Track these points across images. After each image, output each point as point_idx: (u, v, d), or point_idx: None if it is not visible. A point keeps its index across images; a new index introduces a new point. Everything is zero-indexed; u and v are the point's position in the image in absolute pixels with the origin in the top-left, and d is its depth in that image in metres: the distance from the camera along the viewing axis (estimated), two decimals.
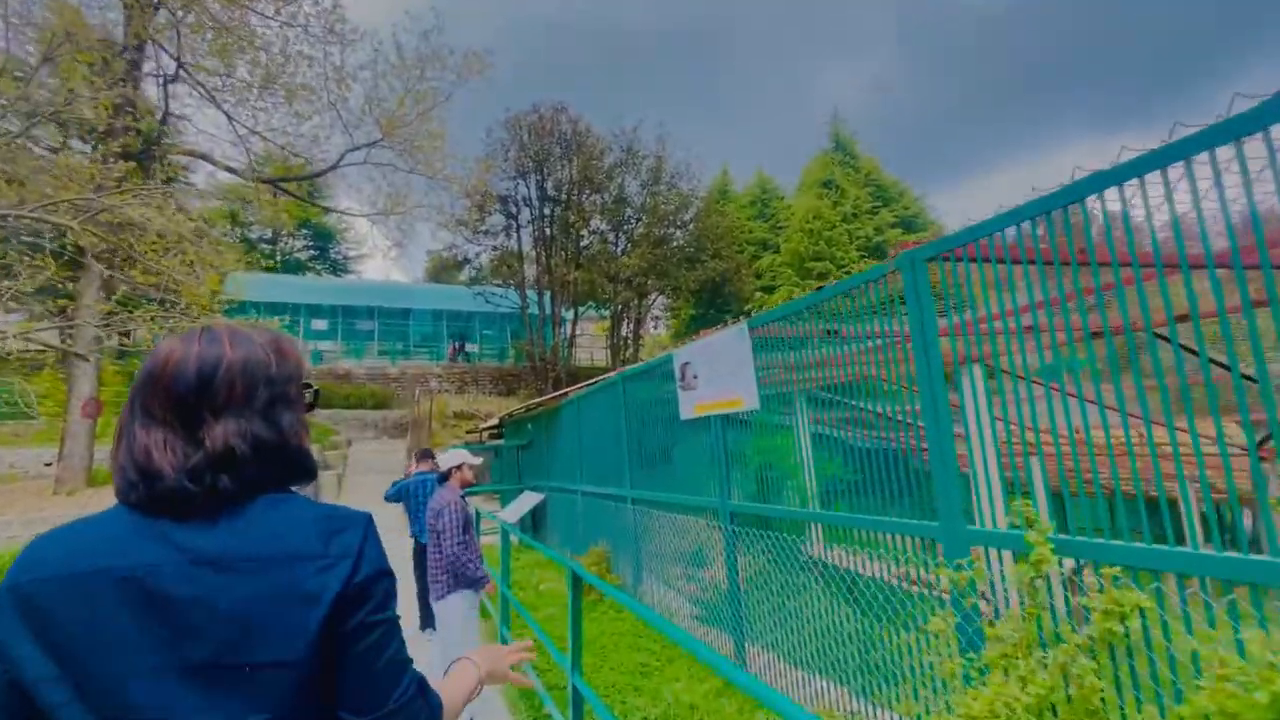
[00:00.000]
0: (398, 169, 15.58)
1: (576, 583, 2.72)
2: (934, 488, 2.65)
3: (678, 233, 24.76)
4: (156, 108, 12.54)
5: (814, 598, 3.58)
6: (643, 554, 6.14)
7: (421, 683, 0.88)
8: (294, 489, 0.89)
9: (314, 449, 16.37)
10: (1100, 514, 2.11)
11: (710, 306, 25.87)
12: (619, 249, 25.21)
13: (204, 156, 13.94)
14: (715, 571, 4.83)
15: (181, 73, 12.12)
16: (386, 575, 0.84)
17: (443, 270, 41.03)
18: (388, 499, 6.48)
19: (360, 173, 16.34)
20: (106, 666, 0.70)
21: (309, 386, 0.95)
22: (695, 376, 4.78)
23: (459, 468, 4.17)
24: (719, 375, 4.42)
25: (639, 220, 24.94)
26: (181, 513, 0.78)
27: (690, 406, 4.87)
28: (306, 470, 0.90)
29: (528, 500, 9.85)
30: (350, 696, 0.79)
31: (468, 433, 19.75)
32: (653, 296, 26.36)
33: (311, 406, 0.96)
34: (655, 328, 31.76)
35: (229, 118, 13.96)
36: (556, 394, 9.22)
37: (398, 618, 0.86)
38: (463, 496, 4.14)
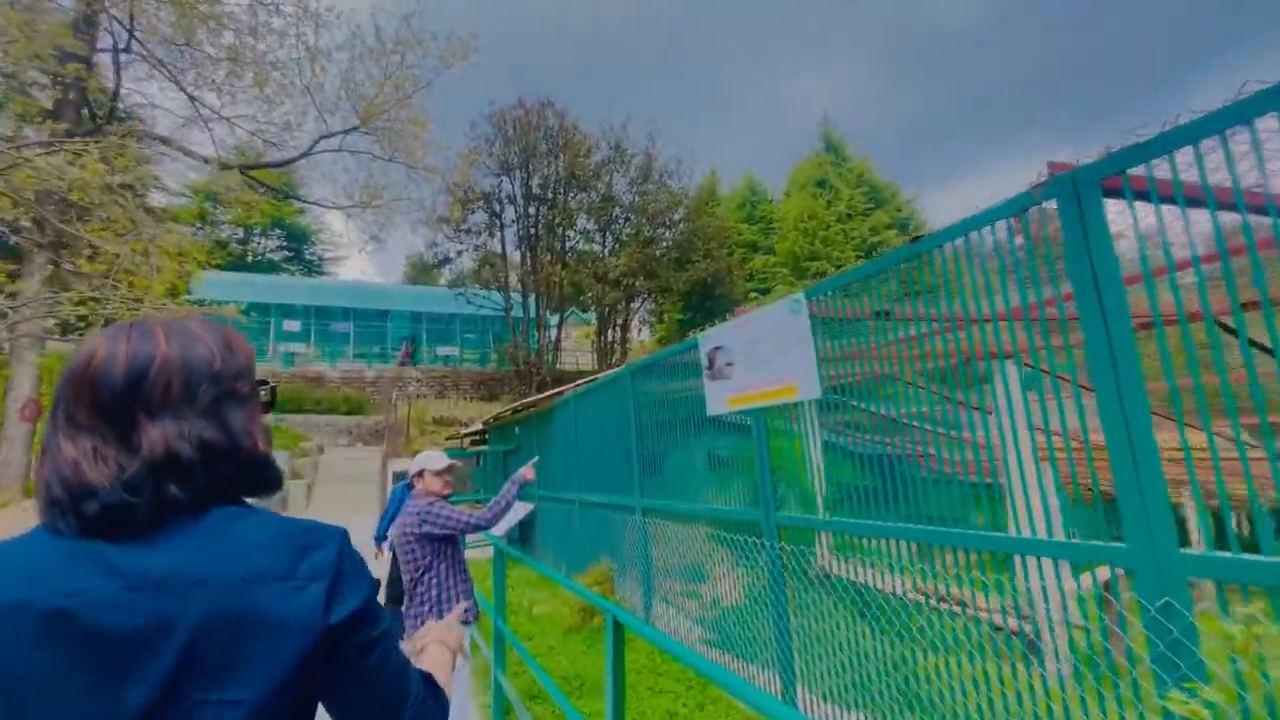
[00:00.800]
0: (376, 157, 14.65)
1: (617, 633, 1.92)
2: (1119, 500, 1.90)
3: (667, 233, 24.08)
4: (109, 83, 11.49)
5: (907, 646, 2.82)
6: (654, 573, 5.33)
7: (427, 680, 0.86)
8: (255, 502, 0.80)
9: (282, 456, 15.33)
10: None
11: (699, 310, 25.19)
12: (606, 249, 24.45)
13: (163, 139, 12.88)
14: (733, 592, 4.05)
15: (135, 43, 11.09)
16: (369, 592, 0.77)
17: (422, 274, 39.97)
18: (378, 541, 5.63)
19: (335, 163, 15.32)
20: None
21: (265, 384, 0.87)
22: (730, 364, 4.01)
23: (419, 475, 3.35)
24: (763, 359, 3.65)
25: (627, 220, 24.22)
26: (120, 531, 0.69)
27: (721, 400, 4.10)
28: (267, 480, 0.82)
29: (516, 511, 8.98)
30: None
31: (447, 439, 18.77)
32: (640, 299, 25.61)
33: (269, 406, 0.88)
34: (639, 334, 30.98)
35: (191, 99, 12.94)
36: (549, 394, 8.39)
37: (390, 627, 0.79)
38: (433, 503, 3.30)
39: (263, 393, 0.86)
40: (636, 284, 23.22)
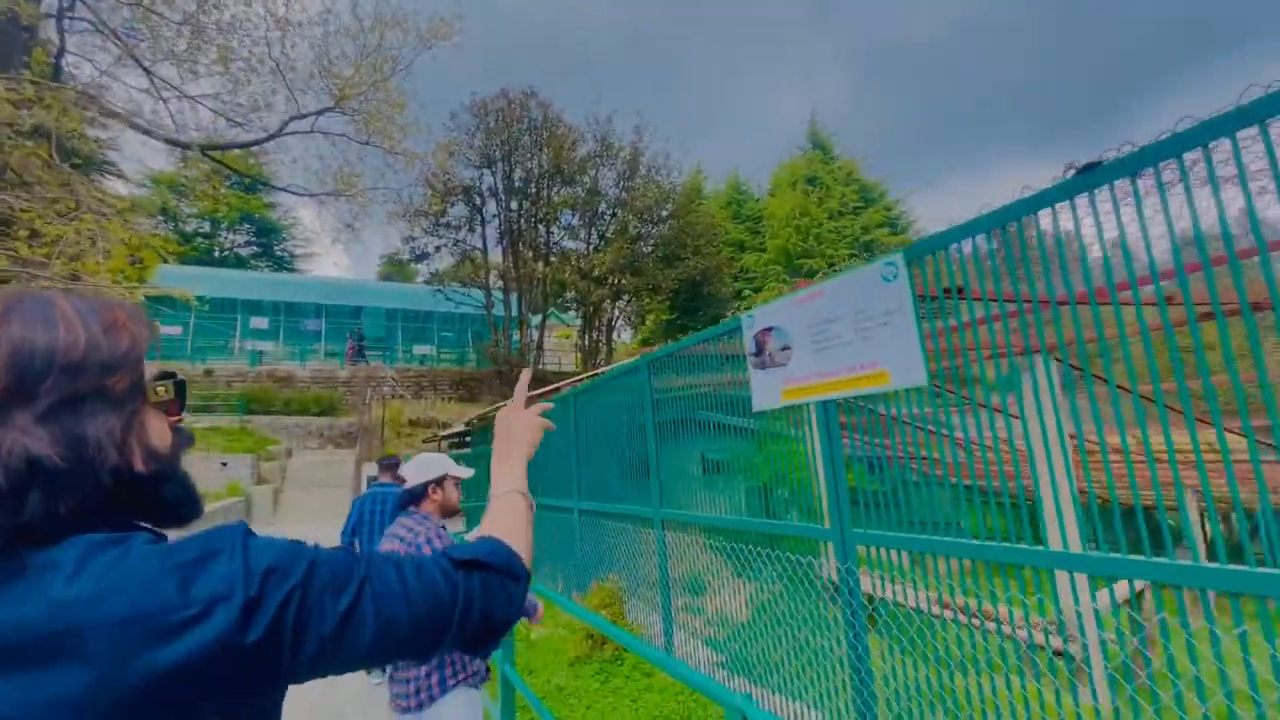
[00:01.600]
0: (351, 139, 13.72)
1: None
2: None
3: (654, 229, 23.40)
4: (52, 45, 10.41)
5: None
6: (675, 596, 4.62)
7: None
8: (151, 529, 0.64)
9: (245, 460, 14.20)
10: None
11: (686, 310, 24.55)
12: (591, 245, 23.68)
13: (113, 112, 11.80)
14: (785, 625, 3.37)
15: (80, 5, 10.06)
16: (282, 562, 0.60)
17: (399, 271, 38.74)
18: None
19: (307, 148, 14.35)
20: None
21: (168, 378, 0.68)
22: (786, 348, 3.32)
23: (439, 483, 2.57)
24: (837, 340, 2.98)
25: (613, 215, 23.48)
26: None
27: (773, 391, 3.41)
28: (166, 502, 0.66)
29: None
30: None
31: (424, 441, 17.82)
32: (626, 298, 24.87)
33: (177, 407, 0.69)
34: (619, 335, 30.15)
35: (147, 72, 11.87)
36: (545, 390, 7.63)
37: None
38: (442, 530, 2.54)
39: (160, 389, 0.67)
40: (623, 281, 22.48)
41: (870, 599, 2.88)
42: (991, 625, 2.40)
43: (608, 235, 23.68)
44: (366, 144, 13.49)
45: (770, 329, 3.44)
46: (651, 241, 23.58)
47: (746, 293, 23.20)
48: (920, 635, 2.62)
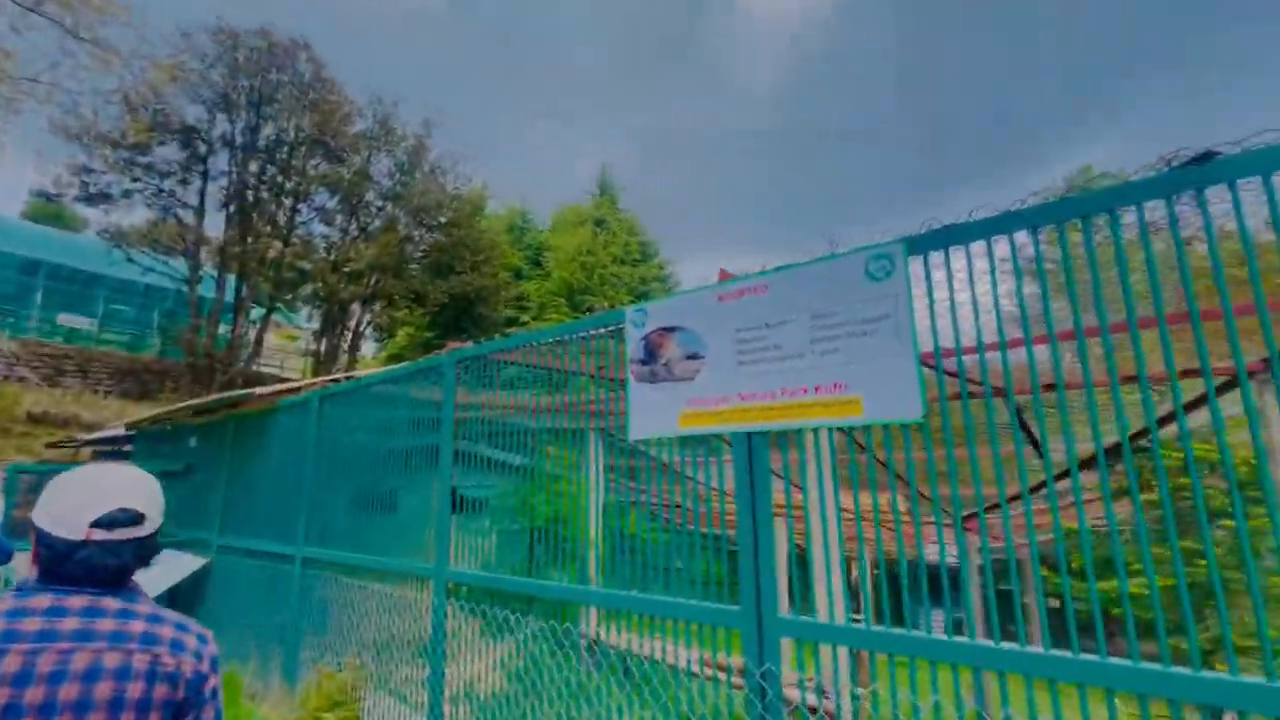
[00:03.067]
0: None
1: None
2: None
3: (430, 234, 21.16)
4: None
5: None
6: (449, 687, 3.28)
7: None
8: None
9: None
10: None
11: (450, 329, 22.43)
12: (350, 235, 20.40)
13: None
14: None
15: None
16: None
17: (52, 214, 28.84)
18: None
19: None
20: None
21: None
22: (694, 356, 2.46)
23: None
24: (776, 351, 2.21)
25: (382, 208, 20.64)
26: None
27: (665, 414, 2.50)
28: None
29: (175, 566, 5.75)
30: None
31: (49, 445, 12.64)
32: (381, 304, 21.80)
33: None
34: (360, 349, 26.32)
35: None
36: (282, 389, 5.54)
37: None
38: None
39: None
40: (383, 283, 19.66)
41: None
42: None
43: (371, 228, 20.67)
44: (34, 10, 9.43)
45: (672, 330, 2.55)
46: (424, 247, 21.26)
47: (524, 319, 22.16)
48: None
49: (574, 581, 2.94)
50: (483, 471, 3.47)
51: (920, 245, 1.97)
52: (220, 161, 18.62)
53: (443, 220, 21.17)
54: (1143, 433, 5.19)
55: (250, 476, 5.62)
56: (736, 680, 2.20)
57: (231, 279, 18.47)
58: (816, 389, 2.10)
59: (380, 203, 20.88)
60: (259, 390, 5.33)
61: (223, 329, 18.87)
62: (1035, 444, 5.43)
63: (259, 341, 20.05)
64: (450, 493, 3.50)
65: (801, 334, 2.17)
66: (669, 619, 2.42)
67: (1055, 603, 11.45)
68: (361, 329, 22.72)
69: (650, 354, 2.60)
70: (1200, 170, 1.53)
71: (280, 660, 4.49)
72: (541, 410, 3.21)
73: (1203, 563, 1.43)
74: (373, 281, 20.00)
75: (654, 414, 2.55)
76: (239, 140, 18.40)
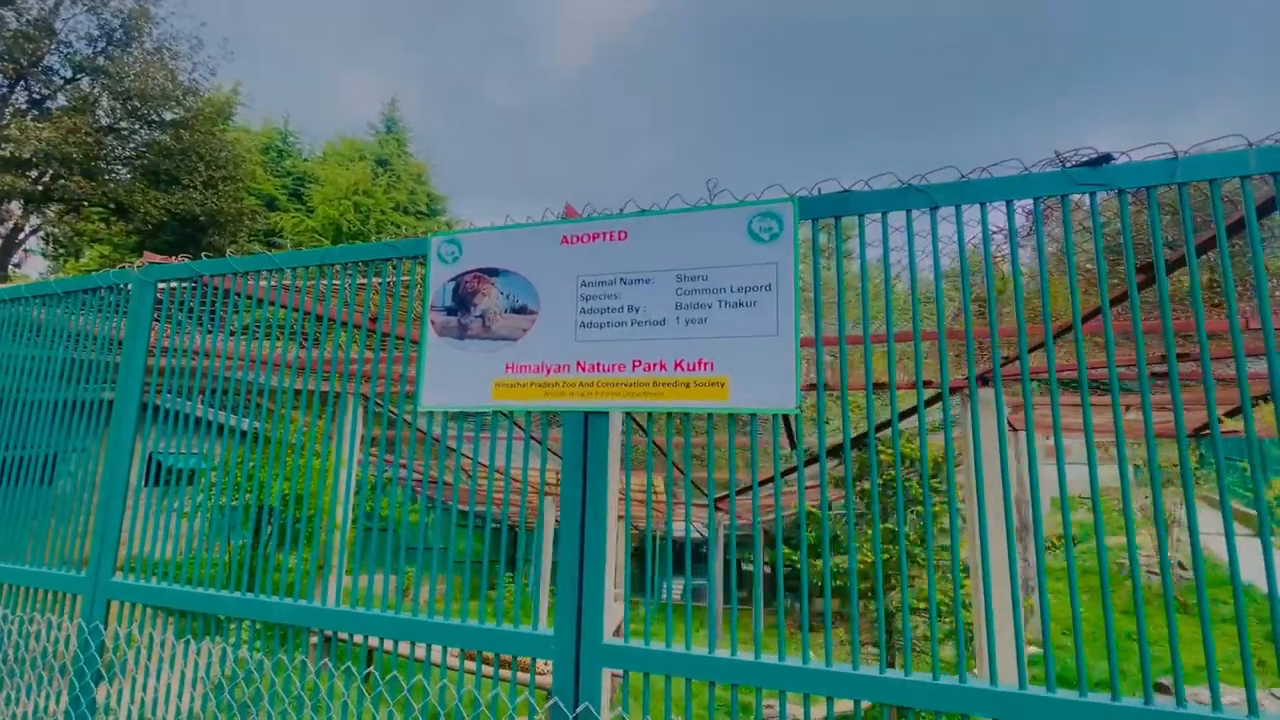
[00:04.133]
0: None
1: None
2: None
3: (148, 131, 16.48)
4: None
5: None
6: None
7: None
8: None
9: None
10: None
11: (168, 256, 17.82)
12: (17, 107, 14.93)
13: None
14: None
15: None
16: None
17: None
18: None
19: None
20: None
21: None
22: (521, 310, 1.90)
23: None
24: (633, 314, 1.77)
25: (75, 80, 15.49)
26: None
27: (475, 380, 1.91)
28: None
29: None
30: None
31: None
32: (61, 209, 16.43)
33: None
34: (21, 265, 19.67)
35: None
36: None
37: None
38: None
39: None
40: (65, 182, 14.76)
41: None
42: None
43: (50, 105, 15.41)
44: None
45: (494, 273, 1.96)
46: (136, 146, 16.52)
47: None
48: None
49: (313, 574, 2.20)
50: (200, 436, 2.61)
51: (814, 208, 1.69)
52: None
53: (168, 117, 16.64)
54: (863, 436, 6.13)
55: None
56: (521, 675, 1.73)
57: None
58: (677, 365, 1.71)
59: (71, 73, 15.68)
60: None
61: None
62: (791, 437, 5.99)
63: None
64: (148, 461, 2.52)
65: (665, 296, 1.76)
66: (448, 646, 1.87)
67: (769, 570, 13.05)
68: (20, 240, 16.93)
69: (461, 301, 1.98)
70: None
71: None
72: (287, 366, 2.38)
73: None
74: (48, 175, 14.95)
75: (459, 379, 1.94)
76: None
